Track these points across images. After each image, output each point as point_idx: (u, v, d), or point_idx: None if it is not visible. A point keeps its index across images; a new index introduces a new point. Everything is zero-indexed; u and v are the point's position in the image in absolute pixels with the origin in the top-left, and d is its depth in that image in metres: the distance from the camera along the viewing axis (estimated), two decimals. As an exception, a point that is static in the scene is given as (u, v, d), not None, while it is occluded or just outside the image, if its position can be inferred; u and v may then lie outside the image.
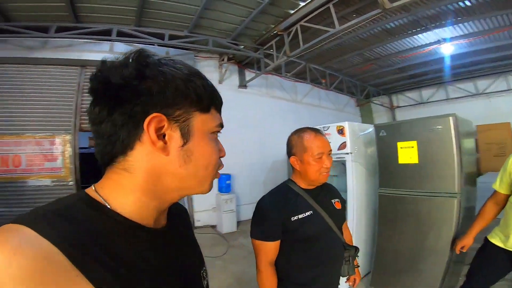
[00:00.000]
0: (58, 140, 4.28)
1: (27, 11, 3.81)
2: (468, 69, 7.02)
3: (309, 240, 1.21)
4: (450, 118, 2.12)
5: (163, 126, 0.43)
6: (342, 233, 1.32)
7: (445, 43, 5.38)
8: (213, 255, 3.75)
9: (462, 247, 1.83)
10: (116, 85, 0.41)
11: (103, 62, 0.43)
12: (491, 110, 6.92)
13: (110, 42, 4.44)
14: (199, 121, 0.47)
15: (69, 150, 4.27)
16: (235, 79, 6.18)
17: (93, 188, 0.45)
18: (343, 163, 2.77)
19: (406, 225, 2.35)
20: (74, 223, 0.37)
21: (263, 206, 1.23)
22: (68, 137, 4.29)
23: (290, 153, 1.27)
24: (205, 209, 5.32)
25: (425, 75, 7.51)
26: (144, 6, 4.04)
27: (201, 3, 4.02)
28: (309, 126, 1.30)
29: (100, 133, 0.43)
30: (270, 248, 1.18)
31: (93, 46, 4.43)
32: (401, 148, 2.36)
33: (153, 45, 4.69)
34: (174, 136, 0.44)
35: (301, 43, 4.54)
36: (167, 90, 0.43)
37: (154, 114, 0.41)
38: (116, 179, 0.45)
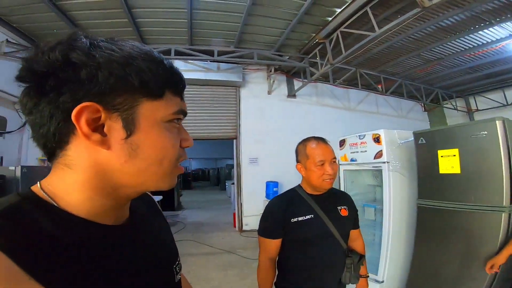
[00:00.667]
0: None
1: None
2: None
3: (306, 242, 1.28)
4: (498, 122, 1.90)
5: (100, 117, 0.38)
6: (345, 240, 1.36)
7: None
8: (255, 257, 3.94)
9: (492, 266, 1.66)
10: (39, 73, 0.36)
11: (35, 47, 0.38)
12: None
13: (171, 60, 5.28)
14: (148, 109, 0.41)
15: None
16: (283, 89, 6.39)
17: (39, 185, 0.41)
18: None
19: (447, 242, 2.15)
20: (20, 225, 0.34)
21: (269, 206, 1.36)
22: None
23: (296, 160, 1.37)
24: (253, 214, 5.60)
25: (505, 74, 6.41)
26: (192, 26, 4.69)
27: (240, 20, 4.44)
28: (316, 136, 1.38)
29: (31, 125, 0.39)
30: (271, 245, 1.29)
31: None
32: (441, 156, 2.18)
33: (206, 61, 5.32)
34: (114, 127, 0.39)
35: (343, 49, 4.54)
36: (98, 75, 0.36)
37: (85, 104, 0.36)
38: (60, 176, 0.41)
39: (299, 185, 1.41)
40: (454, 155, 2.11)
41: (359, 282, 1.39)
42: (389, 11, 4.11)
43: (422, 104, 8.23)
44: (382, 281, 2.56)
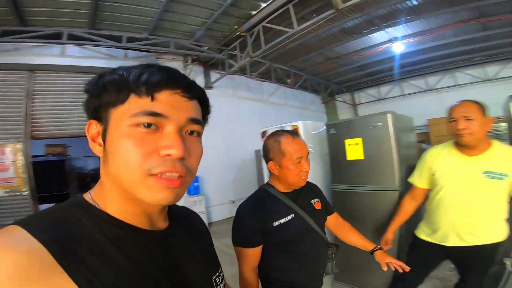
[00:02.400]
0: (8, 149, 4.01)
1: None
2: (419, 66, 7.59)
3: (292, 242, 1.20)
4: (388, 115, 2.28)
5: (97, 131, 0.45)
6: (324, 232, 1.32)
7: (396, 41, 5.78)
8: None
9: (386, 243, 1.82)
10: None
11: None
12: (442, 104, 7.39)
13: (61, 45, 4.23)
14: (114, 116, 0.43)
15: (20, 159, 4.02)
16: (200, 80, 6.14)
17: (89, 192, 0.48)
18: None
19: (361, 221, 2.37)
20: (63, 224, 0.39)
21: (241, 213, 1.21)
22: (19, 145, 4.03)
23: (267, 158, 1.23)
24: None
25: (381, 73, 7.98)
26: (98, 9, 3.90)
27: (160, 6, 3.97)
28: (285, 129, 1.28)
29: None
30: (251, 254, 1.17)
31: (43, 50, 4.18)
32: (348, 145, 2.52)
33: (110, 47, 4.55)
34: (100, 137, 0.45)
35: (263, 43, 4.65)
36: (89, 97, 0.45)
37: (88, 122, 0.45)
38: (99, 182, 0.48)
39: (268, 183, 1.29)
40: (358, 144, 2.47)
41: (378, 255, 1.35)
42: (308, 9, 4.41)
43: (321, 97, 9.41)
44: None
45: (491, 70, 7.02)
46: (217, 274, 0.59)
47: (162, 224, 0.52)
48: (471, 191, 1.49)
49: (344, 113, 9.73)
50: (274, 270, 1.22)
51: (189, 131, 0.47)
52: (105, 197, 0.46)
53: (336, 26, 5.12)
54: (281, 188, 1.25)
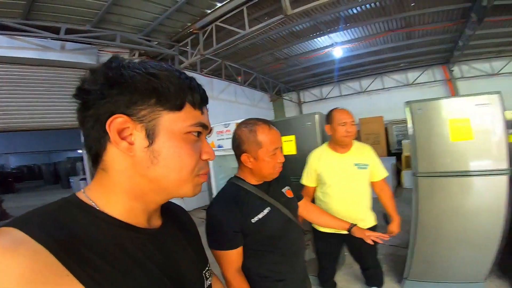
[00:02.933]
0: None
1: None
2: (355, 70, 8.45)
3: (274, 236, 1.14)
4: (316, 115, 2.61)
5: (128, 127, 0.43)
6: (298, 220, 1.30)
7: (336, 46, 6.35)
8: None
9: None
10: (85, 91, 0.43)
11: (90, 69, 0.45)
12: (371, 105, 8.58)
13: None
14: (167, 120, 0.45)
15: None
16: (148, 75, 6.00)
17: (83, 190, 0.46)
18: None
19: None
20: (62, 225, 0.38)
21: (214, 215, 1.10)
22: None
23: (239, 150, 1.13)
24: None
25: (323, 74, 8.66)
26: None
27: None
28: (257, 117, 1.19)
29: (84, 135, 0.46)
30: (234, 256, 1.08)
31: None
32: (284, 141, 2.88)
33: (46, 39, 4.24)
34: (139, 136, 0.44)
35: (214, 42, 4.75)
36: (126, 91, 0.42)
37: (115, 116, 0.42)
38: (98, 179, 0.46)
39: (236, 177, 1.21)
40: (292, 140, 2.83)
41: (356, 232, 1.41)
42: (261, 12, 4.61)
43: (269, 95, 9.87)
44: None
45: (412, 75, 8.22)
46: (207, 268, 0.62)
47: (157, 221, 0.53)
48: (350, 182, 1.84)
49: (290, 111, 10.34)
50: (255, 265, 1.14)
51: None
52: (108, 197, 0.45)
53: (285, 29, 5.43)
54: (252, 180, 1.18)
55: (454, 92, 7.56)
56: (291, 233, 1.20)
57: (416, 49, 6.84)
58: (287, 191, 1.28)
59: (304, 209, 1.49)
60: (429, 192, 2.14)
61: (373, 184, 1.96)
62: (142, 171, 0.45)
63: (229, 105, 7.97)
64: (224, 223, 1.07)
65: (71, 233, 0.38)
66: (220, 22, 4.59)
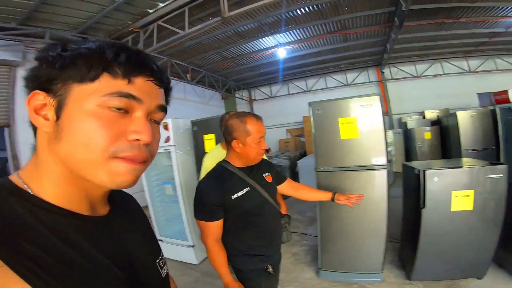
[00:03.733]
0: None
1: None
2: (301, 70, 8.88)
3: (250, 213, 1.33)
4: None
5: (46, 104, 0.41)
6: (277, 203, 1.47)
7: (280, 47, 6.62)
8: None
9: None
10: (28, 76, 0.42)
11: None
12: (317, 103, 9.08)
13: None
14: (76, 93, 0.40)
15: None
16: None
17: (16, 173, 0.42)
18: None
19: None
20: None
21: (201, 189, 1.31)
22: None
23: (230, 137, 1.31)
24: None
25: (272, 74, 8.94)
26: None
27: None
28: (248, 111, 1.42)
29: None
30: (214, 227, 1.29)
31: None
32: (206, 139, 3.01)
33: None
34: (51, 111, 0.41)
35: (155, 41, 4.73)
36: (43, 65, 0.41)
37: (34, 92, 0.40)
38: (32, 160, 0.43)
39: (224, 160, 1.41)
40: (212, 138, 2.97)
41: (340, 200, 1.57)
42: (204, 13, 4.67)
43: (220, 93, 9.94)
44: (193, 245, 3.19)
45: (351, 76, 8.89)
46: (160, 257, 0.59)
47: (103, 209, 0.50)
48: None
49: (242, 108, 10.48)
50: (236, 240, 1.34)
51: (154, 119, 0.48)
52: (41, 179, 0.42)
53: (230, 29, 5.53)
54: (238, 164, 1.37)
55: (384, 93, 8.34)
56: (267, 211, 1.38)
57: (352, 51, 7.41)
58: (267, 176, 1.46)
59: (292, 188, 1.66)
60: (327, 186, 2.38)
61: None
62: (52, 148, 0.41)
63: (177, 103, 7.84)
64: (207, 197, 1.28)
65: (5, 222, 0.35)
66: (162, 22, 4.56)
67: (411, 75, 8.25)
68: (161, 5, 4.41)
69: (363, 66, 8.60)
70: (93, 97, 0.40)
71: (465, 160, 2.48)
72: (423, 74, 8.14)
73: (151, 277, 0.54)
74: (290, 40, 6.44)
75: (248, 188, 1.33)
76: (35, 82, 0.41)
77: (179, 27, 4.54)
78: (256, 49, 6.81)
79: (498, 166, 1.98)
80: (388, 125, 8.43)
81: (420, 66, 8.19)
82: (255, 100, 10.46)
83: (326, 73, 9.08)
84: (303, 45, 6.69)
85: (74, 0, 3.88)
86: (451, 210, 2.05)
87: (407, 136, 7.06)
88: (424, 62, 8.14)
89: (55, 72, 0.40)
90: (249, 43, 6.40)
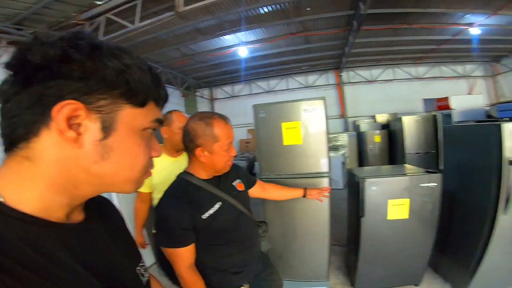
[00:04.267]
0: None
1: None
2: (264, 70, 8.87)
3: (226, 230, 1.16)
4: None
5: (79, 115, 0.37)
6: (251, 212, 1.31)
7: (242, 46, 6.50)
8: None
9: (142, 246, 1.91)
10: (33, 64, 0.35)
11: (35, 37, 0.37)
12: (278, 104, 9.14)
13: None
14: (129, 115, 0.42)
15: None
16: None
17: None
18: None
19: None
20: None
21: (164, 212, 1.10)
22: None
23: (193, 144, 1.10)
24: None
25: (234, 72, 8.81)
26: None
27: None
28: (209, 111, 1.22)
29: (4, 112, 0.37)
30: (185, 253, 1.08)
31: None
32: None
33: None
34: (91, 127, 0.39)
35: (102, 34, 4.36)
36: (91, 77, 0.37)
37: (70, 101, 0.36)
38: (15, 169, 0.38)
39: (186, 172, 1.19)
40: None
41: (310, 195, 1.59)
42: (160, 7, 4.37)
43: (181, 90, 9.56)
44: None
45: (311, 78, 9.07)
46: (141, 264, 0.57)
47: (78, 216, 0.47)
48: None
49: (203, 107, 10.21)
50: (208, 258, 1.16)
51: None
52: (24, 190, 0.38)
53: (189, 25, 5.28)
54: (202, 175, 1.17)
55: (341, 96, 8.65)
56: (244, 225, 1.23)
57: (314, 54, 7.56)
58: (238, 184, 1.30)
59: (262, 190, 1.55)
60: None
61: None
62: (86, 165, 0.40)
63: None
64: (173, 221, 1.07)
65: None
66: (111, 14, 4.23)
67: (367, 79, 8.68)
68: None
69: (324, 68, 8.84)
70: (142, 122, 0.43)
71: (407, 167, 2.55)
72: (377, 79, 8.59)
73: (131, 286, 0.52)
74: (252, 39, 6.36)
75: (220, 202, 1.15)
76: (66, 87, 0.36)
77: (131, 20, 4.24)
78: (217, 47, 6.64)
79: (433, 175, 2.04)
80: (343, 127, 8.76)
81: (375, 71, 8.63)
82: (217, 99, 10.23)
83: (288, 74, 9.18)
84: (265, 45, 6.65)
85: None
86: (388, 218, 2.07)
87: (360, 139, 7.35)
88: (378, 67, 8.60)
89: (106, 86, 0.39)
90: (209, 40, 6.21)
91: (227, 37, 6.09)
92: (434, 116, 5.99)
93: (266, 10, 5.05)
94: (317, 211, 2.25)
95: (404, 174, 2.14)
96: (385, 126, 7.38)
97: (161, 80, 0.48)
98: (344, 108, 8.76)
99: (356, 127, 8.06)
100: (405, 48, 7.23)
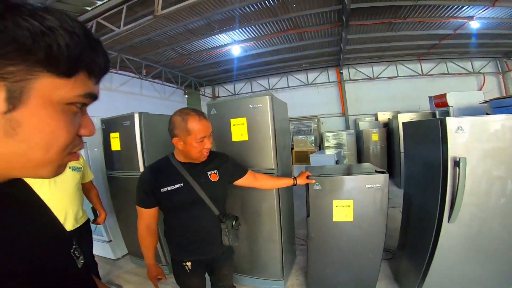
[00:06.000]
0: None
1: None
2: (263, 68, 8.82)
3: (177, 209, 1.35)
4: (136, 115, 2.68)
5: None
6: (219, 205, 1.43)
7: (235, 44, 6.52)
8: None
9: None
10: None
11: None
12: (277, 102, 9.06)
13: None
14: (46, 85, 0.34)
15: None
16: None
17: None
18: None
19: None
20: None
21: (140, 177, 1.35)
22: None
23: (172, 133, 1.28)
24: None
25: (233, 71, 8.82)
26: None
27: None
28: (192, 108, 1.33)
29: None
30: (145, 213, 1.34)
31: None
32: (112, 138, 2.83)
33: None
34: (0, 98, 0.32)
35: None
36: (6, 32, 0.31)
37: None
38: None
39: (172, 153, 1.41)
40: (116, 137, 2.77)
41: (301, 182, 1.77)
42: (145, 11, 4.50)
43: (183, 89, 9.69)
44: (110, 241, 3.24)
45: (311, 76, 8.91)
46: (74, 247, 0.53)
47: None
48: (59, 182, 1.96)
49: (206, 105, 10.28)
50: (168, 230, 1.42)
51: None
52: None
53: (180, 26, 5.38)
54: (181, 158, 1.37)
55: (342, 93, 8.42)
56: (197, 212, 1.37)
57: (310, 51, 7.41)
58: (211, 174, 1.42)
59: (252, 180, 1.64)
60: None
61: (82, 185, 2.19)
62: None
63: (132, 98, 7.61)
64: (141, 185, 1.33)
65: None
66: (101, 19, 4.41)
67: (368, 76, 8.40)
68: (99, 2, 4.27)
69: (324, 66, 8.67)
70: (66, 94, 0.36)
71: (364, 166, 2.42)
72: (379, 76, 8.31)
73: (64, 267, 0.47)
74: (244, 38, 6.36)
75: (181, 184, 1.32)
76: None
77: (118, 25, 4.39)
78: (210, 46, 6.69)
79: (378, 175, 1.92)
80: (344, 125, 8.53)
81: (376, 68, 8.34)
82: (219, 97, 10.28)
83: (288, 72, 9.08)
84: (257, 43, 6.61)
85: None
86: (333, 220, 1.99)
87: (359, 137, 7.14)
88: (380, 64, 8.31)
89: (18, 50, 0.31)
90: (202, 40, 6.27)
91: (220, 36, 6.12)
92: (433, 114, 5.70)
93: (252, 8, 5.04)
94: (268, 210, 2.22)
95: (349, 174, 2.03)
96: (386, 125, 7.14)
97: (101, 47, 0.40)
98: (345, 106, 8.53)
99: (357, 126, 7.86)
100: (404, 44, 6.96)
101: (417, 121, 2.62)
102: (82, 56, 0.37)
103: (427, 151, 1.91)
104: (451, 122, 1.63)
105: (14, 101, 0.32)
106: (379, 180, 1.90)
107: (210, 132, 1.32)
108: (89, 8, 4.37)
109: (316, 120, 8.34)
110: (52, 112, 0.35)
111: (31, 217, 0.49)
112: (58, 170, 0.40)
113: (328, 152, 5.87)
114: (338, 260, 2.10)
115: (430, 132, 1.82)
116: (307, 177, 1.86)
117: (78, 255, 0.53)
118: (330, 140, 7.52)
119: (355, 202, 1.93)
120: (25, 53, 0.32)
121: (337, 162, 6.25)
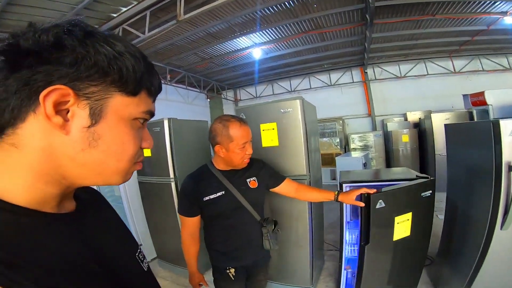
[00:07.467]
0: None
1: None
2: (284, 70, 8.73)
3: (219, 216, 1.37)
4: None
5: (67, 101, 0.37)
6: (260, 211, 1.44)
7: (256, 47, 6.49)
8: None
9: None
10: (24, 49, 0.35)
11: (30, 24, 0.37)
12: (302, 104, 8.91)
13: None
14: (119, 103, 0.41)
15: None
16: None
17: None
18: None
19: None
20: None
21: (182, 186, 1.38)
22: None
23: (214, 141, 1.30)
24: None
25: (255, 74, 8.80)
26: None
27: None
28: (232, 114, 1.36)
29: None
30: (188, 222, 1.36)
31: None
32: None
33: None
34: (80, 114, 0.38)
35: None
36: (82, 63, 0.36)
37: (58, 86, 0.35)
38: (2, 158, 0.37)
39: (210, 161, 1.43)
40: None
41: (344, 199, 1.44)
42: (168, 16, 4.60)
43: (206, 93, 9.82)
44: (141, 244, 3.19)
45: (334, 76, 8.69)
46: (139, 251, 0.58)
47: (69, 205, 0.46)
48: None
49: (228, 108, 10.38)
50: (209, 238, 1.44)
51: None
52: (11, 179, 0.37)
53: (201, 30, 5.45)
54: (221, 166, 1.39)
55: (367, 93, 8.12)
56: (240, 217, 1.39)
57: (333, 51, 7.24)
58: (251, 181, 1.43)
59: (292, 188, 1.56)
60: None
61: None
62: (72, 153, 0.39)
63: (158, 103, 7.55)
64: (184, 195, 1.36)
65: None
66: (126, 25, 4.55)
67: (395, 75, 8.04)
68: (124, 9, 4.40)
69: (347, 66, 8.42)
70: (133, 111, 0.43)
71: (400, 170, 2.28)
72: (407, 75, 7.93)
73: (132, 272, 0.52)
74: (265, 40, 6.32)
75: (223, 192, 1.33)
76: (55, 73, 0.35)
77: (143, 31, 4.50)
78: (232, 50, 6.72)
79: (428, 181, 1.69)
80: (370, 127, 8.22)
81: (404, 66, 7.97)
82: (241, 100, 10.31)
83: (310, 73, 8.92)
84: (279, 44, 6.54)
85: (33, 8, 3.86)
86: (393, 240, 1.66)
87: (387, 138, 6.84)
88: (408, 62, 7.93)
89: (98, 73, 0.38)
90: (223, 44, 6.30)
91: (241, 39, 6.12)
92: (470, 113, 5.33)
93: (272, 10, 4.99)
94: (299, 213, 2.16)
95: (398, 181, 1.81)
96: (417, 125, 6.78)
97: (155, 70, 0.47)
98: (371, 106, 8.22)
99: (385, 127, 7.53)
100: (434, 41, 6.59)
101: (463, 123, 2.44)
102: (143, 77, 0.43)
103: (476, 155, 1.77)
104: (505, 125, 1.49)
105: (95, 117, 0.39)
106: (430, 187, 1.68)
107: (251, 138, 1.33)
108: (114, 15, 4.52)
109: (340, 121, 8.09)
110: (123, 126, 0.42)
111: (107, 219, 0.56)
112: (126, 177, 0.46)
113: (355, 154, 5.68)
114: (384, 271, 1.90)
115: (480, 135, 1.68)
116: (362, 196, 1.48)
117: (142, 258, 0.57)
118: (356, 142, 7.29)
119: (413, 214, 1.65)
120: (103, 75, 0.38)
121: (365, 165, 6.05)
